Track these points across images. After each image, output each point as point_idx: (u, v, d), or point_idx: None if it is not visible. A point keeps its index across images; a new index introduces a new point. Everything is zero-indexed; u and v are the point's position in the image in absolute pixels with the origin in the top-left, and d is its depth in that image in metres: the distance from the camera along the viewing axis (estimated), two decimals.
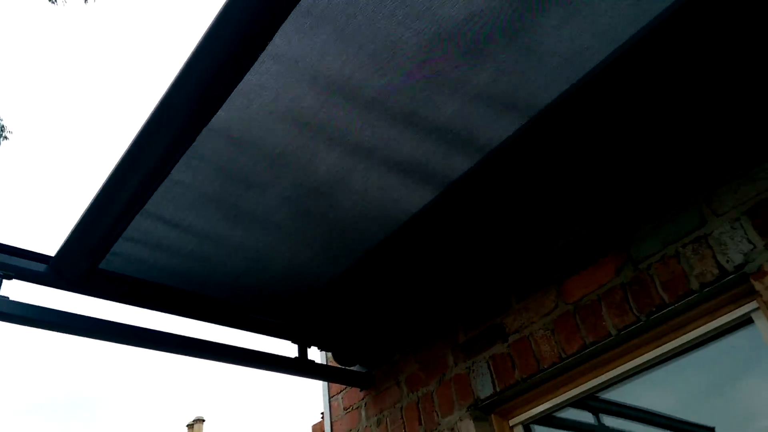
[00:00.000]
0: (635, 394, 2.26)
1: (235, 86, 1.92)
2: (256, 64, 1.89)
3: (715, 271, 1.93)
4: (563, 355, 2.27)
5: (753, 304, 1.92)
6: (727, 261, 1.91)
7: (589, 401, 2.37)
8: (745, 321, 1.96)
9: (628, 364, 2.21)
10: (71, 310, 2.51)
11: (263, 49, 1.84)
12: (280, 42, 1.85)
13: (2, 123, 13.63)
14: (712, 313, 2.02)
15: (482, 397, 2.51)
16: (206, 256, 2.68)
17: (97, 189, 2.16)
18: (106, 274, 2.52)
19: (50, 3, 10.94)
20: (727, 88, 2.08)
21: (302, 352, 2.95)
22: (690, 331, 2.06)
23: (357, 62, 1.93)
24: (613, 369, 2.25)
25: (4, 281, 2.28)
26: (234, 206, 2.43)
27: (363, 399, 3.10)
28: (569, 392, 2.37)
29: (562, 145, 2.24)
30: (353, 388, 3.17)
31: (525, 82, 1.96)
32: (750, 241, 1.88)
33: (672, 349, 2.10)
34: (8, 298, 2.26)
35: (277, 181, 2.33)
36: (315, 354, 3.14)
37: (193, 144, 2.10)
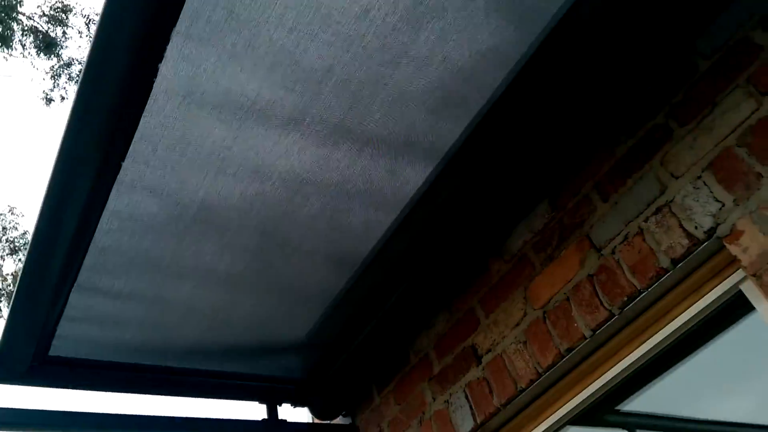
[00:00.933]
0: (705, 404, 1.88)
1: (134, 132, 1.72)
2: (150, 101, 1.69)
3: (685, 242, 1.62)
4: (540, 370, 1.96)
5: (739, 274, 1.61)
6: (696, 227, 1.61)
7: (629, 418, 2.00)
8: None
9: (616, 367, 1.88)
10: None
11: (151, 83, 1.64)
12: (167, 72, 1.65)
13: None
14: (695, 293, 1.71)
15: None
16: (159, 323, 2.46)
17: (21, 270, 1.95)
18: (57, 361, 2.31)
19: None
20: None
21: (272, 411, 2.66)
22: (674, 318, 1.74)
23: (259, 78, 1.72)
24: (600, 376, 1.92)
25: None
26: (172, 263, 2.21)
27: None
28: (560, 410, 2.04)
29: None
30: None
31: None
32: (717, 199, 1.58)
33: (661, 342, 1.78)
34: None
35: (211, 228, 2.11)
36: (287, 413, 2.85)
37: (107, 203, 1.91)
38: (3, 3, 13.61)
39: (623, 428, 2.05)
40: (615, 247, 1.81)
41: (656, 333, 1.79)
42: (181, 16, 1.52)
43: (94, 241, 1.99)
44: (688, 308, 1.72)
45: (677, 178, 1.68)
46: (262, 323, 2.60)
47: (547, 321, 1.97)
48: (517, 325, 2.07)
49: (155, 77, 1.63)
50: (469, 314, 2.29)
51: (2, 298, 14.37)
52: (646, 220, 1.74)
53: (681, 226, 1.64)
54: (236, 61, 1.67)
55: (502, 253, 2.21)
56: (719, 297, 1.66)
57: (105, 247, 2.03)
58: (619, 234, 1.80)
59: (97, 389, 2.45)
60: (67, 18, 15.41)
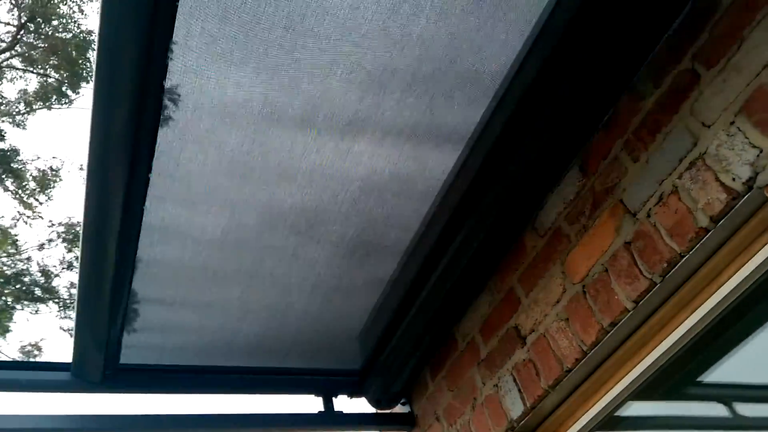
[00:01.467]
0: None
1: (155, 147, 1.77)
2: (162, 117, 1.71)
3: (723, 197, 1.46)
4: (584, 348, 1.83)
5: None
6: (733, 179, 1.44)
7: (721, 389, 1.84)
8: None
9: (669, 338, 1.73)
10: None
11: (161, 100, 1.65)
12: (175, 87, 1.66)
13: None
14: (744, 253, 1.53)
15: (514, 417, 2.09)
16: (215, 326, 2.52)
17: (77, 292, 2.05)
18: (128, 369, 2.46)
19: None
20: None
21: (328, 403, 2.66)
22: (723, 282, 1.58)
23: (264, 81, 1.69)
24: (649, 354, 1.78)
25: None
26: (219, 269, 2.25)
27: None
28: (616, 387, 1.90)
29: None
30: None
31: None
32: (753, 145, 1.40)
33: (715, 309, 1.61)
34: None
35: (247, 231, 2.13)
36: (343, 404, 2.83)
37: (143, 218, 1.96)
38: (79, 39, 14.33)
39: (708, 401, 1.88)
40: (650, 209, 1.65)
41: (707, 299, 1.62)
42: (175, 28, 1.51)
43: (138, 255, 2.05)
44: (736, 272, 1.55)
45: (709, 126, 1.51)
46: (315, 319, 2.60)
47: (587, 295, 1.84)
48: (558, 302, 1.95)
49: (163, 93, 1.64)
50: (509, 294, 2.18)
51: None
52: (680, 177, 1.58)
53: (717, 179, 1.47)
54: (238, 68, 1.65)
55: (536, 227, 2.09)
56: None
57: (149, 260, 2.10)
58: (653, 195, 1.65)
59: (165, 392, 2.58)
60: None
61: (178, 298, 2.32)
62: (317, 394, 2.69)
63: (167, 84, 1.63)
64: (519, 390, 2.08)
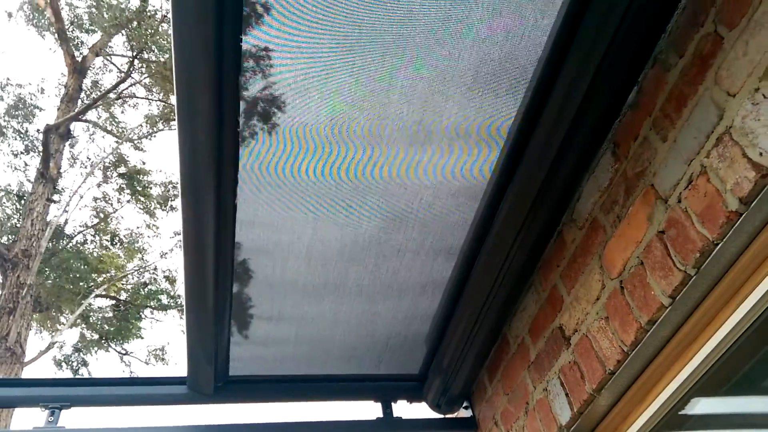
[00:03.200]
0: None
1: (237, 173, 1.84)
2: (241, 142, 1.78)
3: (751, 175, 1.27)
4: (625, 348, 1.67)
5: None
6: (761, 154, 1.25)
7: None
8: None
9: (715, 337, 1.55)
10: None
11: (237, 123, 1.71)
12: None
13: None
14: None
15: (563, 423, 1.95)
16: (311, 336, 2.58)
17: (185, 305, 2.20)
18: (237, 380, 2.60)
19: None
20: None
21: (386, 409, 2.63)
22: (765, 273, 1.38)
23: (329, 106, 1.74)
24: (699, 350, 1.59)
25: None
26: (307, 283, 2.32)
27: None
28: (667, 389, 1.73)
29: None
30: None
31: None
32: None
33: (759, 302, 1.42)
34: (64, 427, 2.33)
35: (329, 247, 2.18)
36: (403, 409, 2.78)
37: (235, 239, 2.06)
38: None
39: None
40: (680, 193, 1.48)
41: (752, 291, 1.43)
42: None
43: (234, 273, 2.16)
44: None
45: (734, 96, 1.32)
46: (387, 324, 2.59)
47: (625, 291, 1.68)
48: (598, 299, 1.80)
49: (239, 127, 1.72)
50: (553, 292, 2.04)
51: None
52: (707, 156, 1.39)
53: (745, 155, 1.29)
54: (305, 94, 1.70)
55: (575, 218, 1.94)
56: None
57: (245, 278, 2.20)
58: (682, 177, 1.47)
59: (267, 401, 2.69)
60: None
61: (274, 311, 2.41)
62: (376, 400, 2.66)
63: (242, 107, 1.71)
64: (566, 394, 1.94)
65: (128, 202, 14.99)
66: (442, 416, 2.70)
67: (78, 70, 13.76)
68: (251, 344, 2.49)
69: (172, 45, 1.46)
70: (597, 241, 1.81)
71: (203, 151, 1.68)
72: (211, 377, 2.43)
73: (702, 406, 1.74)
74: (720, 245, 1.37)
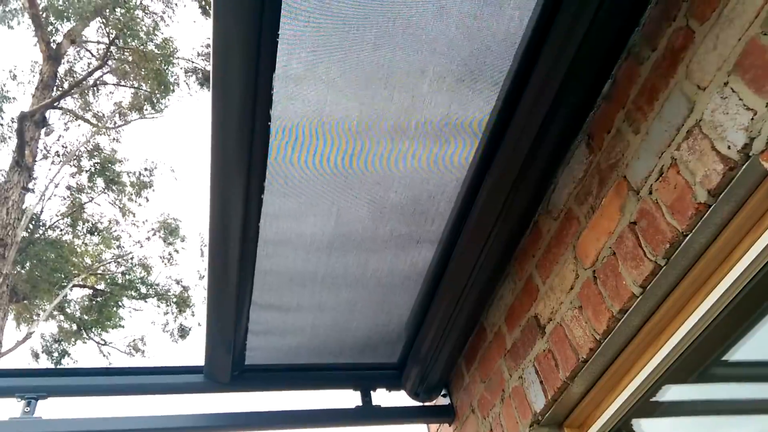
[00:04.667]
0: None
1: (265, 168, 1.84)
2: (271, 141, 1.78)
3: (720, 167, 1.30)
4: (597, 337, 1.71)
5: None
6: (729, 147, 1.28)
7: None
8: None
9: (684, 326, 1.58)
10: None
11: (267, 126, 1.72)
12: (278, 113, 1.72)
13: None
14: (753, 230, 1.36)
15: (538, 410, 1.99)
16: (327, 325, 2.58)
17: (206, 301, 2.22)
18: (253, 369, 2.63)
19: None
20: None
21: (366, 397, 2.65)
22: (735, 263, 1.41)
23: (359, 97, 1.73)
24: (669, 339, 1.63)
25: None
26: (326, 275, 2.32)
27: None
28: (638, 377, 1.77)
29: None
30: (444, 424, 2.76)
31: None
32: (748, 107, 1.23)
33: (730, 290, 1.45)
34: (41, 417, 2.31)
35: (349, 240, 2.18)
36: (382, 398, 2.81)
37: (259, 233, 2.06)
38: (165, 51, 15.05)
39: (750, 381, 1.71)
40: (651, 185, 1.50)
41: (720, 281, 1.46)
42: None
43: (257, 266, 2.17)
44: (749, 248, 1.38)
45: (704, 89, 1.35)
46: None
47: (598, 281, 1.71)
48: (571, 288, 1.83)
49: (270, 121, 1.70)
50: (528, 281, 2.07)
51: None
52: (678, 148, 1.42)
53: (714, 148, 1.31)
54: (334, 88, 1.68)
55: (550, 209, 1.96)
56: None
57: (267, 270, 2.21)
58: (654, 169, 1.50)
59: (282, 389, 2.71)
60: None
61: (293, 302, 2.42)
62: (355, 389, 2.68)
63: (273, 110, 1.68)
64: (541, 382, 1.98)
65: (104, 191, 14.81)
66: (420, 404, 2.73)
67: (52, 56, 13.51)
68: (270, 335, 2.52)
69: (212, 40, 1.46)
70: (571, 232, 1.84)
71: (233, 148, 1.68)
72: (229, 366, 2.46)
73: (672, 393, 1.78)
74: (689, 236, 1.40)
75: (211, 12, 1.42)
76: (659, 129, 1.48)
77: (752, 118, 1.22)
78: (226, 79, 1.52)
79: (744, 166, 1.26)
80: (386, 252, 2.26)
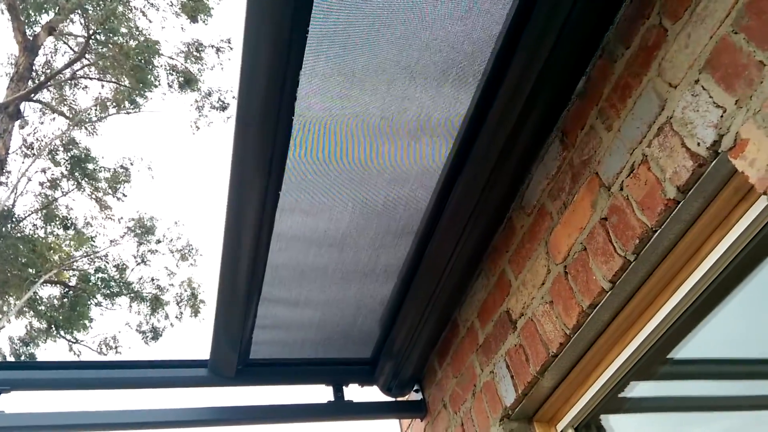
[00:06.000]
0: None
1: (284, 165, 1.82)
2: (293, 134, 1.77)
3: (689, 164, 1.32)
4: (567, 332, 1.72)
5: (764, 199, 1.27)
6: (698, 144, 1.30)
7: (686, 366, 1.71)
8: None
9: (652, 322, 1.61)
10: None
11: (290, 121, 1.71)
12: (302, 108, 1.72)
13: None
14: (720, 226, 1.39)
15: (508, 404, 2.00)
16: (335, 320, 2.56)
17: (217, 289, 2.21)
18: (257, 363, 2.61)
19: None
20: None
21: (338, 392, 2.64)
22: (704, 258, 1.44)
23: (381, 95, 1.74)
24: (637, 335, 1.66)
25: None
26: (337, 270, 2.31)
27: (425, 429, 2.68)
28: (607, 371, 1.79)
29: None
30: (416, 420, 2.77)
31: None
32: (717, 104, 1.26)
33: (698, 285, 1.47)
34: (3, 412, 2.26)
35: (363, 234, 2.17)
36: (354, 393, 2.80)
37: (274, 229, 2.04)
38: (146, 45, 14.90)
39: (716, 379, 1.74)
40: (622, 181, 1.52)
41: (688, 277, 1.49)
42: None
43: (269, 260, 2.15)
44: (717, 244, 1.40)
45: (675, 87, 1.37)
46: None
47: (569, 276, 1.72)
48: (543, 284, 1.84)
49: (293, 115, 1.69)
50: (501, 277, 2.08)
51: (184, 305, 15.97)
52: (649, 145, 1.44)
53: (684, 145, 1.34)
54: (358, 85, 1.68)
55: (524, 205, 1.98)
56: (751, 225, 1.33)
57: (278, 264, 2.19)
58: (625, 165, 1.52)
59: (286, 383, 2.72)
60: (200, 54, 16.55)
61: (302, 297, 2.40)
62: (327, 384, 2.68)
63: (298, 105, 1.68)
64: (512, 377, 1.99)
65: (78, 186, 14.59)
66: (392, 399, 2.73)
67: (29, 48, 13.29)
68: (276, 329, 2.51)
69: (243, 39, 1.47)
70: (544, 227, 1.86)
71: (255, 141, 1.69)
72: (235, 360, 2.45)
73: (640, 389, 1.81)
74: (658, 232, 1.42)
75: (245, 4, 1.42)
76: (631, 126, 1.50)
77: (722, 116, 1.24)
78: (254, 72, 1.53)
79: (713, 163, 1.28)
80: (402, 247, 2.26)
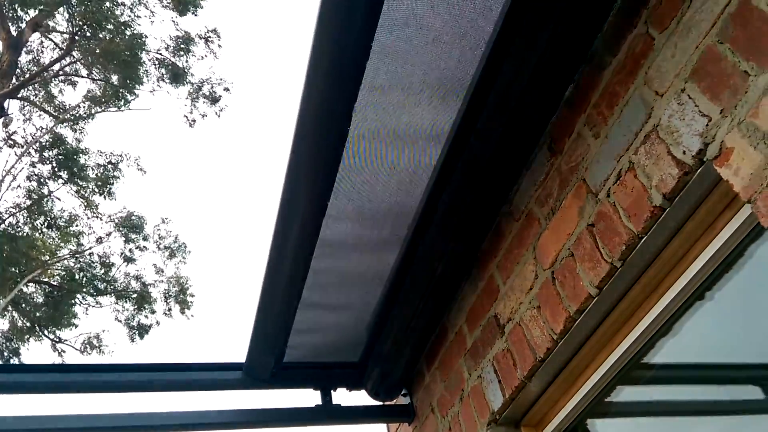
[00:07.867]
0: None
1: (335, 175, 1.84)
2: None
3: (675, 172, 1.33)
4: (554, 337, 1.73)
5: (749, 208, 1.28)
6: (684, 152, 1.31)
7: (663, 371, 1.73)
8: None
9: (638, 328, 1.62)
10: None
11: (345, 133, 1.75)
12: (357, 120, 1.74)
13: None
14: (705, 234, 1.40)
15: (495, 409, 2.01)
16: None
17: (258, 297, 2.24)
18: (291, 366, 2.62)
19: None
20: None
21: (326, 396, 2.63)
22: (689, 264, 1.45)
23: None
24: (623, 340, 1.67)
25: None
26: (376, 275, 2.32)
27: None
28: (593, 377, 1.80)
29: None
30: (404, 424, 2.77)
31: None
32: (703, 113, 1.27)
33: (683, 291, 1.49)
34: None
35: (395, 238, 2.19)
36: (342, 397, 2.80)
37: (320, 235, 2.04)
38: (132, 42, 14.77)
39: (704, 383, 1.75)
40: (610, 188, 1.53)
41: (674, 284, 1.50)
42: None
43: (311, 265, 2.14)
44: (702, 251, 1.42)
45: (662, 95, 1.38)
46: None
47: (556, 282, 1.73)
48: (531, 289, 1.85)
49: (348, 126, 1.71)
50: (490, 282, 2.09)
51: (172, 301, 15.88)
52: (636, 152, 1.45)
53: (670, 152, 1.35)
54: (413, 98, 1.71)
55: (512, 211, 1.98)
56: (736, 233, 1.35)
57: (319, 269, 2.18)
58: (612, 172, 1.53)
59: (314, 387, 2.69)
60: (188, 46, 16.41)
61: (341, 301, 2.42)
62: (315, 388, 2.67)
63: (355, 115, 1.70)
64: (499, 381, 1.99)
65: (64, 184, 14.46)
66: (380, 403, 2.73)
67: (13, 44, 13.14)
68: (312, 333, 2.52)
69: (312, 42, 1.49)
70: (532, 233, 1.86)
71: (310, 148, 1.73)
72: (271, 363, 2.48)
73: (626, 393, 1.82)
74: (644, 239, 1.43)
75: (316, 17, 1.45)
76: (618, 133, 1.51)
77: (707, 125, 1.25)
78: (316, 81, 1.56)
79: (698, 171, 1.29)
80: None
